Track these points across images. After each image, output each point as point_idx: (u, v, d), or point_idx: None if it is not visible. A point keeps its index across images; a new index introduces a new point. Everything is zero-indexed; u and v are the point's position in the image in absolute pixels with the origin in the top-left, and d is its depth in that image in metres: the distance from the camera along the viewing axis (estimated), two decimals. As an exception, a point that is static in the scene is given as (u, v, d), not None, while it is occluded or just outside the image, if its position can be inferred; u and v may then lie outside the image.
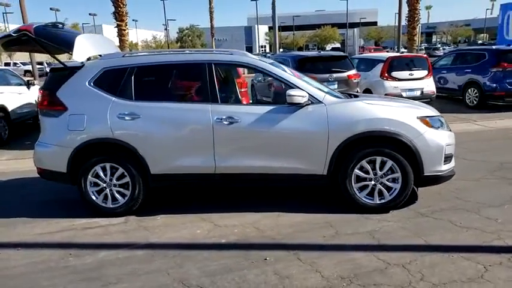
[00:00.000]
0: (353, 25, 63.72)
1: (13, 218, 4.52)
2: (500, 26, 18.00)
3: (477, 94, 11.17)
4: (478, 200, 4.37)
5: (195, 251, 3.57)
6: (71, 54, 4.47)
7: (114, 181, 4.38)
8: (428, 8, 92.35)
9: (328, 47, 60.10)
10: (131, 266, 3.34)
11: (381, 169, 4.10)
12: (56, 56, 4.88)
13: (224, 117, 4.15)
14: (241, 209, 4.41)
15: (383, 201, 4.16)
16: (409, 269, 3.07)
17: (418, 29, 16.58)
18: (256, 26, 70.80)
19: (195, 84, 4.41)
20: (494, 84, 10.72)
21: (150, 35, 62.90)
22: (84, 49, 4.57)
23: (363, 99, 4.40)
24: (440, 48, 48.06)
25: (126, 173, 4.33)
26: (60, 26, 4.85)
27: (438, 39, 75.82)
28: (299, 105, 4.09)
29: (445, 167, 4.15)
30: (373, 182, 4.14)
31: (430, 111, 4.35)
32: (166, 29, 56.93)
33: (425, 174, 4.08)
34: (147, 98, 4.40)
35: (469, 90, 11.45)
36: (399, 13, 14.96)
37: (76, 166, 4.38)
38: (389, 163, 4.07)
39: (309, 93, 4.12)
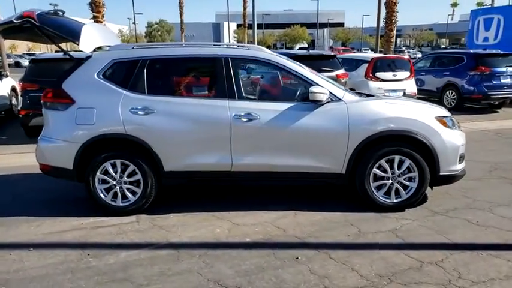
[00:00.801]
0: (321, 25, 64.58)
1: (11, 217, 4.24)
2: (470, 31, 18.76)
3: (455, 96, 11.59)
4: (487, 199, 4.51)
5: (221, 250, 3.46)
6: (77, 44, 4.23)
7: (125, 178, 4.18)
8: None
9: (296, 46, 60.69)
10: (158, 267, 3.20)
11: (398, 168, 4.14)
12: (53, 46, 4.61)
13: (243, 113, 4.06)
14: (254, 208, 4.33)
15: (399, 200, 4.20)
16: (443, 267, 3.11)
17: (395, 31, 17.10)
18: (224, 23, 70.44)
19: (211, 79, 4.28)
20: (472, 87, 11.16)
21: (116, 29, 61.08)
22: (90, 39, 4.33)
23: (382, 97, 4.42)
24: (406, 51, 49.58)
25: (137, 170, 4.15)
26: (61, 13, 4.59)
27: (402, 43, 78.25)
28: (319, 103, 4.06)
29: (459, 167, 4.25)
30: (390, 181, 4.17)
31: (444, 111, 4.44)
32: (134, 23, 55.54)
33: (441, 173, 4.15)
34: (161, 92, 4.24)
35: (447, 92, 11.86)
36: (378, 15, 15.30)
37: (83, 162, 4.15)
38: (407, 162, 4.12)
39: (329, 91, 4.10)
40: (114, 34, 5.43)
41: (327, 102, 4.07)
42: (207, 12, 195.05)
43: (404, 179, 4.16)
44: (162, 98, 4.16)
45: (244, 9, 49.74)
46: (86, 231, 3.87)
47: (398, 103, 4.30)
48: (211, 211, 4.28)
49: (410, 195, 4.19)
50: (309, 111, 4.08)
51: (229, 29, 52.70)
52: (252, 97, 4.41)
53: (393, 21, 16.62)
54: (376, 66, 10.68)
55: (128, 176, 4.18)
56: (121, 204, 4.23)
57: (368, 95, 4.76)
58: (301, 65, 4.49)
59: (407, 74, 10.87)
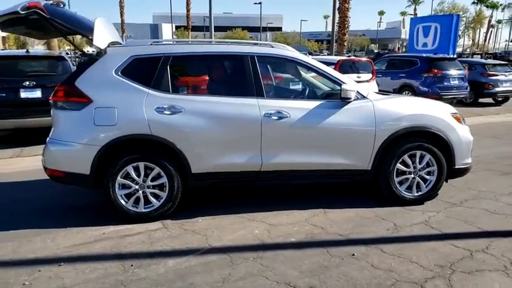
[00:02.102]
0: (260, 29, 65.47)
1: (17, 230, 3.80)
2: (410, 38, 20.14)
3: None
4: (489, 190, 4.84)
5: (271, 251, 3.36)
6: (91, 39, 3.92)
7: (149, 182, 3.93)
8: (326, 17, 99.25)
9: None
10: (217, 273, 3.04)
11: (419, 163, 4.32)
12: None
13: (273, 112, 3.99)
14: (282, 207, 4.27)
15: (420, 193, 4.38)
16: (492, 254, 3.28)
17: (347, 36, 17.84)
18: (162, 24, 68.87)
19: (238, 77, 4.16)
20: (427, 88, 11.97)
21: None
22: (103, 34, 4.04)
23: (401, 96, 4.58)
24: (347, 55, 51.79)
25: (162, 173, 3.92)
26: (62, 5, 4.23)
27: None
28: (347, 101, 4.11)
29: (470, 160, 4.52)
30: (412, 176, 4.33)
31: (453, 108, 4.70)
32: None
33: (456, 166, 4.39)
34: (186, 90, 4.06)
35: (404, 93, 12.59)
36: (333, 20, 15.88)
37: (102, 167, 3.84)
38: (427, 157, 4.30)
39: (356, 89, 4.17)
40: (116, 31, 5.09)
41: (354, 100, 4.14)
42: (143, 12, 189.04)
43: (424, 173, 4.35)
44: (188, 96, 3.97)
45: (188, 10, 49.00)
46: (115, 241, 3.57)
47: (417, 100, 4.49)
48: (238, 213, 4.16)
49: (429, 188, 4.38)
50: (337, 108, 4.12)
51: (172, 30, 51.53)
52: (280, 95, 4.35)
53: (346, 25, 17.42)
54: (342, 69, 11.04)
55: (152, 180, 3.94)
56: (144, 210, 3.96)
57: (383, 93, 4.90)
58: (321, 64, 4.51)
59: (370, 75, 11.37)
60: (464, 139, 4.38)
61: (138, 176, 3.90)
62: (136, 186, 3.92)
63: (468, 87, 12.49)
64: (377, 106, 4.18)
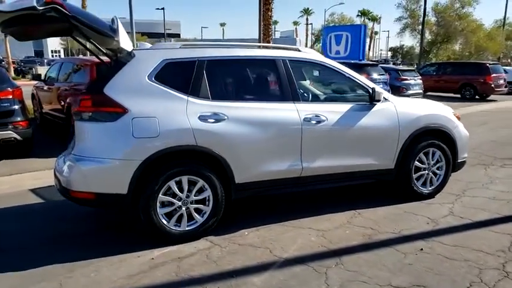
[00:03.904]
0: (159, 35, 63.86)
1: (43, 267, 3.19)
2: (323, 45, 21.48)
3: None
4: (475, 180, 5.43)
5: (345, 256, 3.32)
6: (116, 41, 3.50)
7: (192, 197, 3.61)
8: (222, 25, 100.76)
9: None
10: (314, 284, 2.91)
11: (432, 159, 4.66)
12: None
13: (311, 116, 3.97)
14: (317, 212, 4.25)
15: (432, 188, 4.72)
16: (529, 234, 3.70)
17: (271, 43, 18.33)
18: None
19: (273, 81, 4.04)
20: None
21: None
22: (127, 36, 3.63)
23: (414, 98, 4.87)
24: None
25: (206, 186, 3.63)
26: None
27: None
28: (374, 103, 4.27)
29: (467, 154, 5.01)
30: (426, 172, 4.65)
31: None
32: None
33: (458, 160, 4.84)
34: (225, 96, 3.83)
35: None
36: (259, 28, 16.27)
37: (141, 184, 3.42)
38: (438, 153, 4.67)
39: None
40: None
41: (379, 103, 4.31)
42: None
43: (435, 169, 4.70)
44: (230, 103, 3.74)
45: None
46: (174, 265, 3.20)
47: (427, 102, 4.84)
48: (277, 222, 4.03)
49: (439, 182, 4.75)
50: (367, 111, 4.25)
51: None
52: (313, 99, 4.32)
53: (270, 33, 17.96)
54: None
55: (195, 194, 3.62)
56: (187, 229, 3.62)
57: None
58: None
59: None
60: (463, 135, 4.85)
61: (181, 191, 3.56)
62: (179, 203, 3.57)
63: (390, 91, 13.76)
64: (398, 107, 4.41)
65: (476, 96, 18.31)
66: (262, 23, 16.27)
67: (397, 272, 3.07)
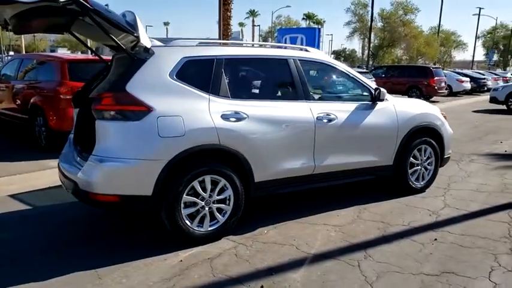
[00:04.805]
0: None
1: (67, 275, 3.00)
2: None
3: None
4: (454, 174, 5.85)
5: (370, 249, 3.45)
6: (136, 37, 3.39)
7: (215, 196, 3.57)
8: (166, 24, 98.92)
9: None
10: (353, 276, 3.01)
11: (424, 155, 4.96)
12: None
13: (323, 114, 4.08)
14: (324, 209, 4.36)
15: (424, 182, 5.03)
16: (523, 220, 4.08)
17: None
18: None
19: (286, 80, 4.09)
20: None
21: None
22: (145, 32, 3.53)
23: (407, 98, 5.12)
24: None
25: (227, 185, 3.61)
26: None
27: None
28: (375, 103, 4.47)
29: (451, 150, 5.38)
30: (419, 167, 4.94)
31: (436, 107, 5.49)
32: None
33: (445, 156, 5.19)
34: (244, 95, 3.82)
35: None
36: (219, 28, 16.16)
37: (165, 185, 3.33)
38: (429, 150, 4.97)
39: (381, 92, 4.56)
40: None
41: (381, 102, 4.52)
42: None
43: (427, 164, 5.01)
44: (249, 102, 3.74)
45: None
46: (206, 267, 3.14)
47: (419, 101, 5.13)
48: (291, 219, 4.09)
49: (430, 177, 5.07)
50: (370, 110, 4.44)
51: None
52: (322, 98, 4.40)
53: (229, 33, 17.98)
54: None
55: (218, 193, 3.59)
56: (209, 229, 3.57)
57: None
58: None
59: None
60: (449, 132, 5.21)
61: (205, 191, 3.51)
62: (203, 203, 3.51)
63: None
64: (396, 106, 4.64)
65: (421, 98, 19.55)
66: (222, 23, 16.28)
67: (424, 262, 3.25)
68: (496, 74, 31.83)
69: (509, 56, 64.71)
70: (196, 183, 3.45)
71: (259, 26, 71.91)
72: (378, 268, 3.14)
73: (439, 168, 5.22)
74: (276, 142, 3.80)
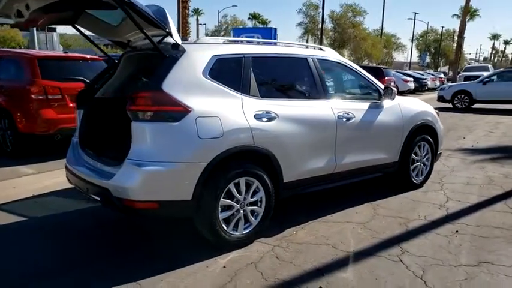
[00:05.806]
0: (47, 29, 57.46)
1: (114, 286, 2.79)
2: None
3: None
4: (441, 169, 6.16)
5: (404, 243, 3.53)
6: (167, 32, 3.23)
7: (249, 199, 3.48)
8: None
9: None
10: (400, 270, 3.07)
11: (423, 152, 5.18)
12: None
13: (342, 113, 4.13)
14: (340, 207, 4.42)
15: (422, 177, 5.25)
16: (523, 210, 4.39)
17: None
18: None
19: (308, 79, 4.07)
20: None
21: None
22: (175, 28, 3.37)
23: (408, 97, 5.30)
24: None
25: (260, 187, 3.54)
26: None
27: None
28: (384, 101, 4.60)
29: (443, 146, 5.67)
30: (419, 163, 5.16)
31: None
32: None
33: (439, 152, 5.46)
34: (272, 94, 3.77)
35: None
36: (178, 23, 15.71)
37: (204, 188, 3.20)
38: (427, 146, 5.21)
39: (388, 91, 4.70)
40: None
41: (389, 101, 4.65)
42: None
43: (425, 160, 5.24)
44: (278, 101, 3.69)
45: None
46: (254, 272, 3.06)
47: (418, 100, 5.33)
48: (314, 219, 4.09)
49: (427, 172, 5.31)
50: (381, 108, 4.55)
51: None
52: (339, 97, 4.42)
53: (188, 31, 17.57)
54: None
55: (252, 196, 3.50)
56: (244, 232, 3.48)
57: None
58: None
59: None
60: (442, 129, 5.49)
61: (240, 193, 3.41)
62: (238, 206, 3.41)
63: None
64: (401, 105, 4.81)
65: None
66: (181, 21, 15.89)
67: (458, 253, 3.39)
68: (433, 75, 34.17)
69: (439, 58, 69.87)
70: (232, 186, 3.34)
71: (205, 24, 71.28)
72: (420, 262, 3.23)
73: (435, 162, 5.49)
74: (303, 141, 3.78)
